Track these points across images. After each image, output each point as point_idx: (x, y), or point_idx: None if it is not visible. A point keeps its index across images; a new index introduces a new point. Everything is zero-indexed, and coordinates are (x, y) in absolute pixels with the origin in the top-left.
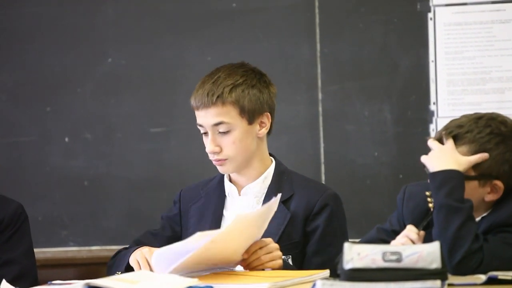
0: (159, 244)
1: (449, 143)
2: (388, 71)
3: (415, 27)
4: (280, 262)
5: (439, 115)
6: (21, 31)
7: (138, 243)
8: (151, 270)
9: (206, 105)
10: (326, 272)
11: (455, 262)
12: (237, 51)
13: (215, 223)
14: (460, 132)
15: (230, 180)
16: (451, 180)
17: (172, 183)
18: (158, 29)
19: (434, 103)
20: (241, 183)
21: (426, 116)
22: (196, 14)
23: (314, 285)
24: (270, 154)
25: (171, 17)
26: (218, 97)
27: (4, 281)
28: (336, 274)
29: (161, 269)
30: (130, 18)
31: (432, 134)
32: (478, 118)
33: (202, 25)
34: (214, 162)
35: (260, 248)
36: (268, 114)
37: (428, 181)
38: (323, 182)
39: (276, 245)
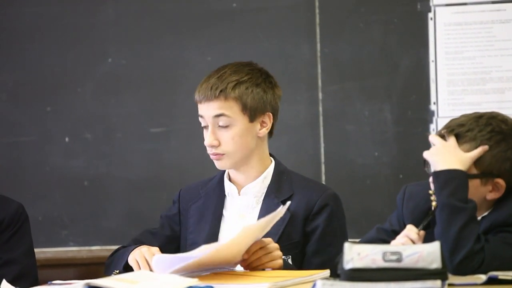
0: (158, 243)
1: (452, 140)
2: (388, 71)
3: (415, 27)
4: (280, 262)
5: (439, 115)
6: (21, 31)
7: (137, 242)
8: (150, 270)
9: (208, 98)
10: (326, 272)
11: (456, 262)
12: (237, 51)
13: (215, 223)
14: (461, 130)
15: (230, 180)
16: (454, 179)
17: (172, 183)
18: (158, 29)
19: (434, 103)
20: (240, 183)
21: (426, 116)
22: (196, 14)
23: (314, 285)
24: (270, 154)
25: (171, 17)
26: (221, 91)
27: (4, 281)
28: (336, 274)
29: (161, 271)
30: (130, 18)
31: (432, 134)
32: (478, 117)
33: (202, 25)
34: (211, 157)
35: (260, 248)
36: (270, 114)
37: (430, 179)
38: (323, 182)
39: (276, 245)
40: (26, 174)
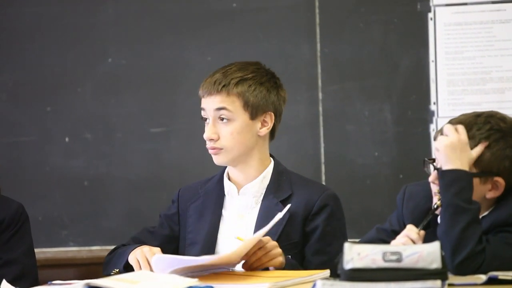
0: (157, 242)
1: (463, 134)
2: (388, 71)
3: (415, 27)
4: (280, 259)
5: (439, 115)
6: (21, 31)
7: (136, 241)
8: (151, 269)
9: (211, 93)
10: (326, 272)
11: (457, 262)
12: (237, 51)
13: (214, 223)
14: None
15: (229, 179)
16: (460, 180)
17: (172, 183)
18: (158, 29)
19: (434, 103)
20: (240, 182)
21: (426, 116)
22: (196, 14)
23: (314, 285)
24: (270, 155)
25: (171, 17)
26: (224, 86)
27: (4, 281)
28: (336, 274)
29: (160, 271)
30: (130, 18)
31: (432, 134)
32: (477, 116)
33: (202, 25)
34: (209, 151)
35: (259, 248)
36: (272, 114)
37: (429, 178)
38: (323, 182)
39: (275, 243)
40: (26, 174)
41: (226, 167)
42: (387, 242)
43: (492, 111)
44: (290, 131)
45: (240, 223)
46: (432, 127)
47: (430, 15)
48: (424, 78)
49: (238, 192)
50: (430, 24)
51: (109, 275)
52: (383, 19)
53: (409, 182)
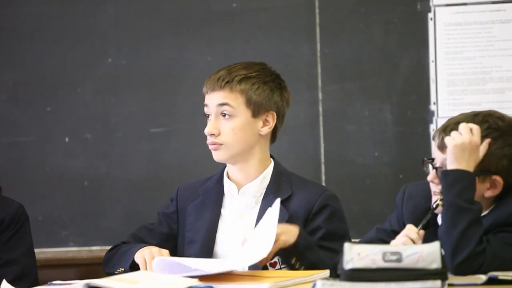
0: (155, 240)
1: (477, 136)
2: (388, 71)
3: (415, 27)
4: (283, 238)
5: (439, 115)
6: (21, 31)
7: (135, 237)
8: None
9: (215, 88)
10: (326, 272)
11: (457, 263)
12: (237, 51)
13: (213, 222)
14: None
15: (229, 179)
16: (462, 180)
17: (172, 183)
18: (158, 29)
19: (434, 103)
20: (239, 182)
21: (426, 116)
22: (196, 14)
23: (314, 285)
24: (270, 155)
25: (171, 17)
26: (227, 82)
27: (4, 281)
28: (336, 274)
29: (160, 272)
30: (130, 18)
31: (432, 134)
32: (475, 115)
33: (202, 25)
34: (210, 147)
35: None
36: (274, 114)
37: (428, 178)
38: (323, 182)
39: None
40: (26, 174)
41: (226, 166)
42: (387, 242)
43: (490, 110)
44: (290, 131)
45: (239, 222)
46: (432, 127)
47: (430, 15)
48: (424, 78)
49: (238, 192)
50: (430, 24)
51: (113, 274)
52: (383, 19)
53: (409, 182)
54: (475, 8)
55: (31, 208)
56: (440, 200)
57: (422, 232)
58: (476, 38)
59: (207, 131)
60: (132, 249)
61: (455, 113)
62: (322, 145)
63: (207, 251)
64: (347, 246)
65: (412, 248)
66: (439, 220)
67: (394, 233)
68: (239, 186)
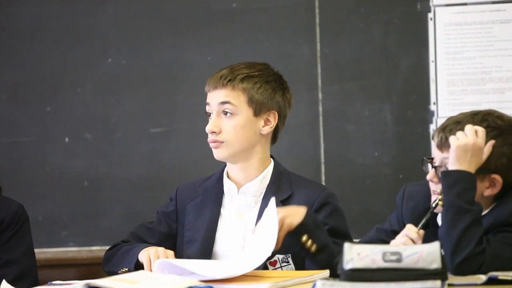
0: (154, 239)
1: (482, 138)
2: (388, 71)
3: (415, 27)
4: (288, 221)
5: (439, 115)
6: (21, 31)
7: (135, 236)
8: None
9: (217, 86)
10: (326, 272)
11: (456, 263)
12: (237, 51)
13: (212, 221)
14: (458, 128)
15: (229, 178)
16: (463, 181)
17: (172, 183)
18: (158, 29)
19: (434, 103)
20: (239, 181)
21: (426, 116)
22: (196, 14)
23: (314, 285)
24: (270, 155)
25: (171, 17)
26: (230, 80)
27: (4, 281)
28: (336, 274)
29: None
30: (130, 18)
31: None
32: (474, 114)
33: (202, 25)
34: (210, 145)
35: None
36: (276, 113)
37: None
38: (323, 182)
39: (281, 218)
40: (26, 174)
41: (225, 165)
42: (387, 242)
43: (490, 110)
44: (290, 131)
45: (239, 222)
46: (432, 127)
47: (430, 15)
48: (424, 78)
49: (238, 191)
50: (430, 24)
51: (114, 273)
52: (383, 19)
53: (409, 182)
54: (475, 8)
55: (31, 208)
56: (440, 199)
57: (422, 231)
58: (476, 38)
59: (208, 128)
60: (135, 249)
61: (455, 113)
62: (322, 145)
63: (206, 250)
64: (347, 246)
65: (412, 248)
66: (439, 220)
67: (394, 233)
68: (239, 186)
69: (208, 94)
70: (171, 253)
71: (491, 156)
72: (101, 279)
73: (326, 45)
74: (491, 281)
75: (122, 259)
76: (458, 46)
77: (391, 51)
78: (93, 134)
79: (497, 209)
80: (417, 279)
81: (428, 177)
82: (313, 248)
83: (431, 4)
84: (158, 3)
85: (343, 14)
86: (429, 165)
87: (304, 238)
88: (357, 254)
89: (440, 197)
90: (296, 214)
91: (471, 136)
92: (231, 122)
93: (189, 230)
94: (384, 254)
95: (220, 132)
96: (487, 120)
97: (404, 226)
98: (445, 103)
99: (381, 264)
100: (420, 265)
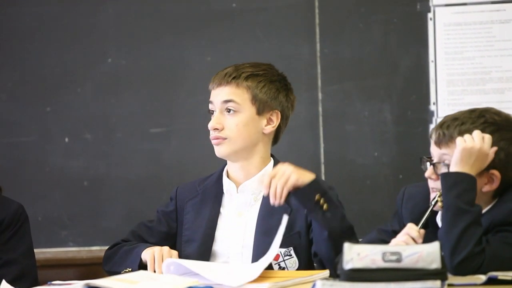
0: (154, 239)
1: (488, 143)
2: (388, 71)
3: (415, 27)
4: (295, 176)
5: (439, 115)
6: (21, 31)
7: (135, 235)
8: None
9: (221, 83)
10: (326, 272)
11: (456, 263)
12: (237, 51)
13: (212, 220)
14: (455, 124)
15: (229, 177)
16: (462, 182)
17: (172, 183)
18: (158, 29)
19: (434, 103)
20: (239, 180)
21: (426, 116)
22: (196, 14)
23: (314, 285)
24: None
25: (171, 17)
26: (234, 78)
27: (4, 281)
28: (336, 274)
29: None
30: (130, 18)
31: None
32: (472, 111)
33: (202, 25)
34: (212, 141)
35: (273, 177)
36: (279, 113)
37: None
38: None
39: (284, 166)
40: (26, 174)
41: (225, 165)
42: (388, 243)
43: (487, 107)
44: (290, 131)
45: (239, 221)
46: (432, 127)
47: (430, 15)
48: (424, 78)
49: (237, 190)
50: (430, 24)
51: (114, 272)
52: (383, 19)
53: (409, 182)
54: (474, 8)
55: (31, 208)
56: (439, 196)
57: (422, 231)
58: (476, 38)
59: (210, 125)
60: (137, 249)
61: None
62: (322, 145)
63: (206, 249)
64: (346, 246)
65: (412, 248)
66: (439, 220)
67: (395, 233)
68: (238, 185)
69: (212, 92)
70: (175, 253)
71: None
72: (101, 279)
73: (326, 45)
74: (491, 281)
75: (124, 259)
76: (458, 46)
77: (391, 51)
78: (93, 134)
79: (497, 208)
80: (417, 279)
81: (427, 174)
82: (325, 206)
83: (430, 4)
84: (158, 3)
85: (343, 14)
86: (428, 163)
87: (317, 196)
88: (357, 254)
89: (439, 193)
90: (305, 174)
91: (478, 141)
92: (234, 119)
93: (188, 229)
94: (384, 254)
95: (222, 129)
96: (484, 116)
97: (404, 227)
98: (445, 103)
99: (381, 264)
100: (420, 265)
